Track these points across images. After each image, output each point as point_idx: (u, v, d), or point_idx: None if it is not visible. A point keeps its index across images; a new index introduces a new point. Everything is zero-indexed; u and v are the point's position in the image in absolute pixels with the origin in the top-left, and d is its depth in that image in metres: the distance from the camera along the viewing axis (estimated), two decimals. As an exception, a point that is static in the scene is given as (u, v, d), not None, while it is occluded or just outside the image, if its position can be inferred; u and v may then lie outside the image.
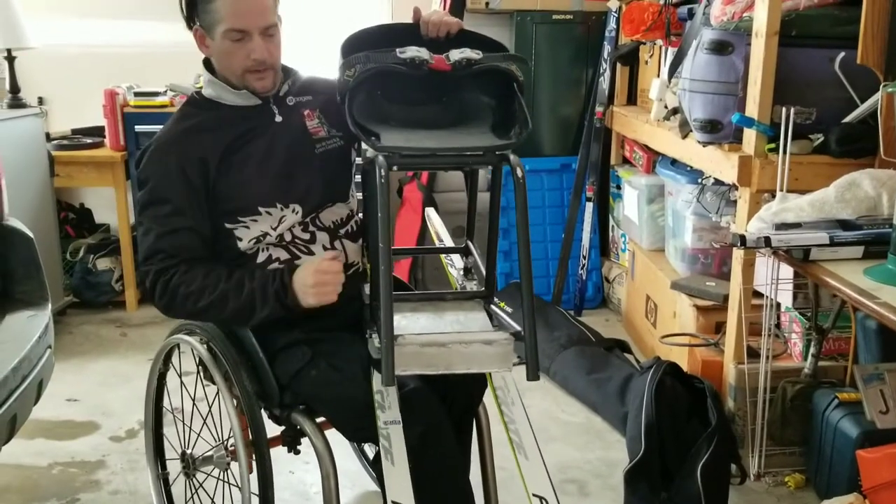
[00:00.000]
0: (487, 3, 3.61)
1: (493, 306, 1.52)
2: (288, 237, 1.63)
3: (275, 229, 1.61)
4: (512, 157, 1.36)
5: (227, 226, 1.60)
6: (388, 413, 1.43)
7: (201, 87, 3.48)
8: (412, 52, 1.38)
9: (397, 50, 1.39)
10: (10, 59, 3.42)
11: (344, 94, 1.40)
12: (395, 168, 1.33)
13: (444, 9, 3.62)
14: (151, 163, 1.59)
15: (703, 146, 2.35)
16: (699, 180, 2.65)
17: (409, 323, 1.46)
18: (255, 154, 1.60)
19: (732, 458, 2.11)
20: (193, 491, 1.85)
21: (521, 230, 1.34)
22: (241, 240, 1.61)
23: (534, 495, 1.38)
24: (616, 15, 3.48)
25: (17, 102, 3.38)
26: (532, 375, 1.33)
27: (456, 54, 1.39)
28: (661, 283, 2.87)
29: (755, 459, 2.20)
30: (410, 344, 1.34)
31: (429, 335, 1.38)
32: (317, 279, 1.46)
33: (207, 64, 1.67)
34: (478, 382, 1.69)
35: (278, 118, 1.66)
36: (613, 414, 2.53)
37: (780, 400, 2.19)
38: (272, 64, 1.61)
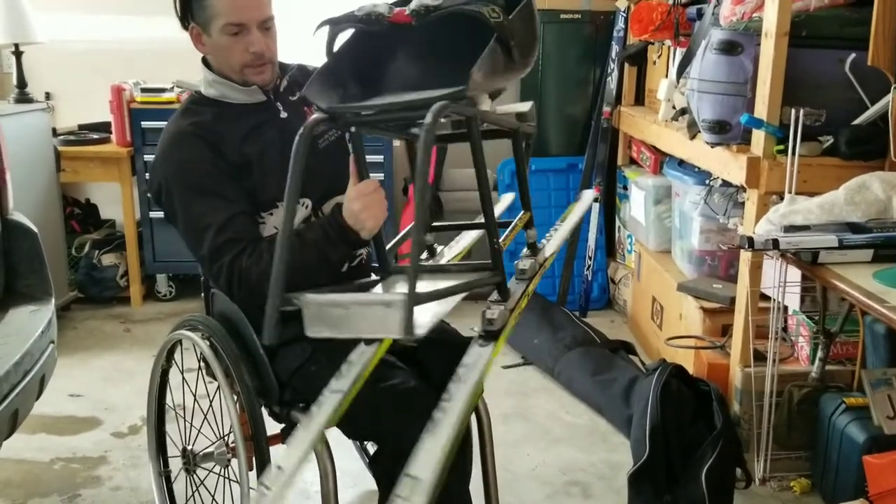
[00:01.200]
0: (495, 2, 3.60)
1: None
2: None
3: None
4: (432, 110, 1.14)
5: None
6: (340, 383, 1.32)
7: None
8: (368, 7, 1.30)
9: (355, 9, 1.31)
10: (18, 53, 3.43)
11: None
12: (351, 129, 1.32)
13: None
14: (172, 159, 1.56)
15: (712, 147, 2.34)
16: (707, 181, 2.64)
17: (384, 288, 1.40)
18: (269, 149, 1.59)
19: (738, 461, 2.09)
20: (195, 488, 1.85)
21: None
22: None
23: (406, 474, 1.09)
24: (624, 14, 3.47)
25: (24, 97, 3.39)
26: (404, 331, 1.08)
27: (415, 3, 1.28)
28: (668, 285, 2.85)
29: (761, 464, 2.19)
30: (312, 304, 1.20)
31: (330, 296, 1.23)
32: (362, 203, 1.42)
33: (206, 63, 1.65)
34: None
35: (283, 114, 1.66)
36: (618, 416, 2.52)
37: (787, 404, 2.17)
38: (270, 57, 1.61)
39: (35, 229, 2.00)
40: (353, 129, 1.31)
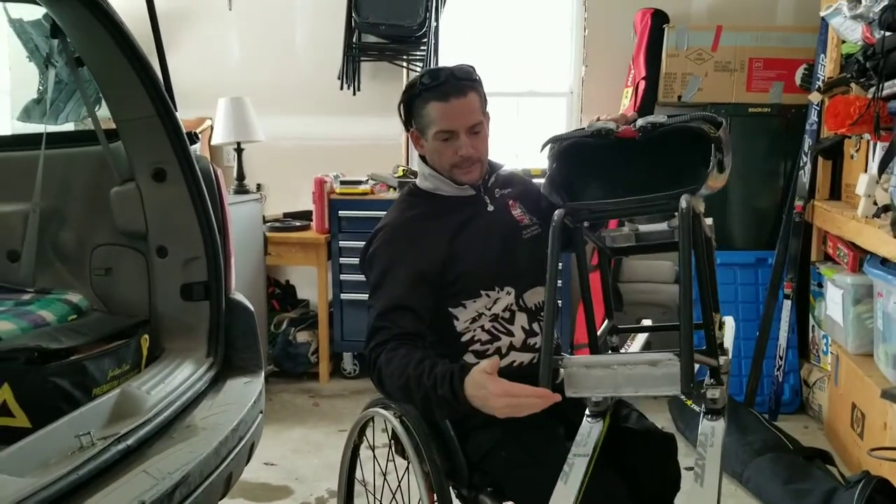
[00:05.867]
0: (680, 97, 3.63)
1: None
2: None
3: (489, 309, 1.70)
4: (683, 196, 1.35)
5: (449, 308, 1.70)
6: (582, 448, 1.46)
7: (400, 176, 3.71)
8: (598, 125, 1.48)
9: (585, 126, 1.51)
10: (239, 150, 3.85)
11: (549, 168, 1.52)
12: (583, 223, 1.53)
13: (636, 103, 3.67)
14: (382, 246, 1.71)
15: (920, 246, 2.20)
16: (914, 282, 2.47)
17: None
18: (475, 241, 1.71)
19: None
20: (380, 563, 1.90)
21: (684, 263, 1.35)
22: (457, 319, 1.71)
23: None
24: (817, 108, 3.38)
25: (242, 189, 3.79)
26: (685, 387, 1.29)
27: (641, 121, 1.45)
28: (870, 391, 2.65)
29: None
30: (574, 365, 1.37)
31: (593, 357, 1.40)
32: (506, 403, 1.36)
33: (424, 158, 1.80)
34: (669, 480, 1.65)
35: (490, 207, 1.78)
36: (814, 530, 2.34)
37: None
38: (478, 158, 1.73)
39: (252, 308, 2.21)
40: (586, 223, 1.52)
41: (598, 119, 1.57)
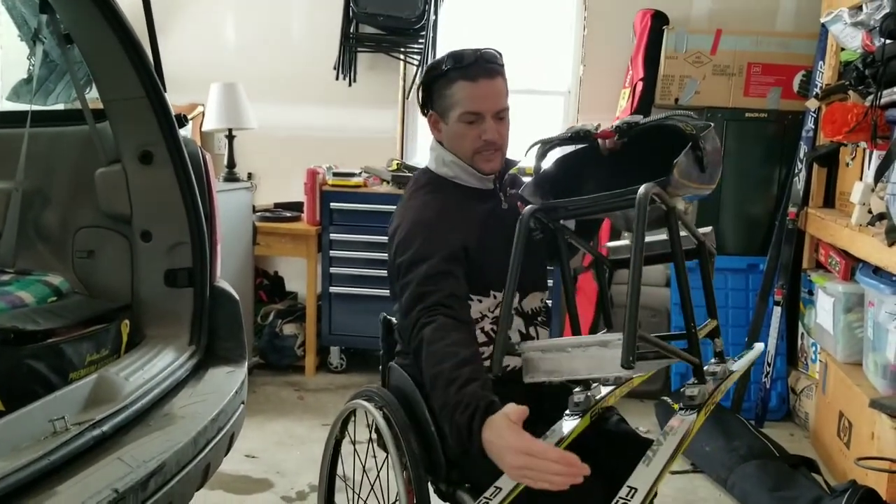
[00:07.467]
0: (677, 100, 3.60)
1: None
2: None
3: (492, 312, 1.66)
4: (643, 185, 1.28)
5: None
6: (552, 437, 1.45)
7: (394, 170, 3.64)
8: (577, 127, 1.50)
9: (565, 130, 1.54)
10: (230, 137, 3.81)
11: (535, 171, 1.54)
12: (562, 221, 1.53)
13: (633, 104, 3.65)
14: (416, 226, 1.61)
15: (914, 255, 2.19)
16: (907, 292, 2.46)
17: None
18: (495, 238, 1.63)
19: None
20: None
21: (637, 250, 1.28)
22: None
23: (627, 485, 1.23)
24: (814, 115, 3.36)
25: (232, 176, 3.75)
26: (624, 362, 1.17)
27: (618, 122, 1.46)
28: (858, 400, 2.64)
29: None
30: (530, 349, 1.38)
31: (546, 341, 1.43)
32: (525, 462, 1.21)
33: (441, 144, 1.73)
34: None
35: (504, 205, 1.73)
36: (798, 538, 2.32)
37: None
38: (501, 145, 1.68)
39: (237, 297, 2.17)
40: (561, 221, 1.52)
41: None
